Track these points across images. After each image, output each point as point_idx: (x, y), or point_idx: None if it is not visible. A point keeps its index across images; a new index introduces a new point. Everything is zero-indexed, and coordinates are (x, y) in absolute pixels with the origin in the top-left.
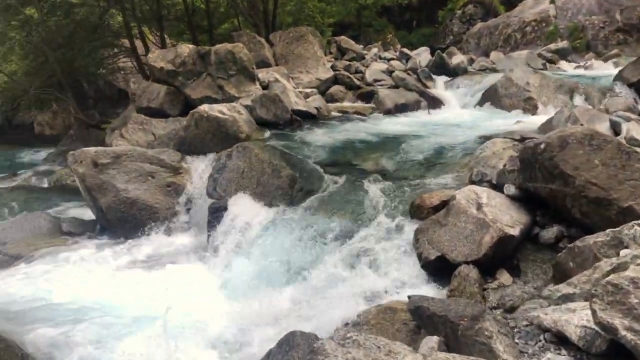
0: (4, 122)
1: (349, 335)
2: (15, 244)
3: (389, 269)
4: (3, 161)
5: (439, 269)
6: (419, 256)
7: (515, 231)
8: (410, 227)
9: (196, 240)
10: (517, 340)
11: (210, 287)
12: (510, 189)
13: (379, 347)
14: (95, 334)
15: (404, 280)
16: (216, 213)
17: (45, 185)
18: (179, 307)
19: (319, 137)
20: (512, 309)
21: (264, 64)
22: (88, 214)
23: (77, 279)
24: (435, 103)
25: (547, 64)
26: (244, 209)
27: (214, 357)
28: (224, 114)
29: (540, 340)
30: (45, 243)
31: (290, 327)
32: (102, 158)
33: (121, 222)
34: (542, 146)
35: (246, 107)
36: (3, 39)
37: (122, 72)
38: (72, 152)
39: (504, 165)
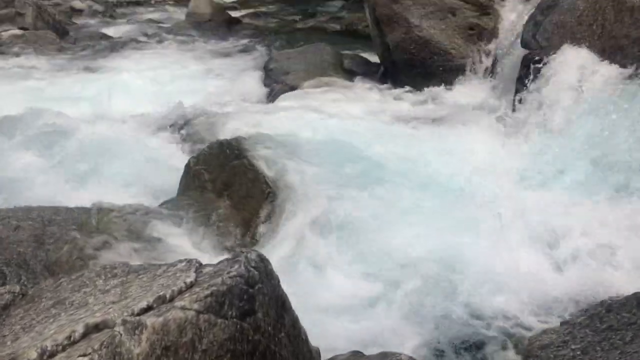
0: None
1: None
2: (296, 74)
3: None
4: (304, 9)
5: None
6: None
7: None
8: None
9: (497, 102)
10: None
11: (505, 167)
12: None
13: None
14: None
15: None
16: (531, 67)
17: (337, 27)
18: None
19: None
20: None
21: None
22: (373, 59)
23: (352, 120)
24: None
25: None
26: (573, 65)
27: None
28: None
29: None
30: (325, 76)
31: None
32: None
33: (407, 66)
34: None
35: None
36: None
37: None
38: None
39: None
